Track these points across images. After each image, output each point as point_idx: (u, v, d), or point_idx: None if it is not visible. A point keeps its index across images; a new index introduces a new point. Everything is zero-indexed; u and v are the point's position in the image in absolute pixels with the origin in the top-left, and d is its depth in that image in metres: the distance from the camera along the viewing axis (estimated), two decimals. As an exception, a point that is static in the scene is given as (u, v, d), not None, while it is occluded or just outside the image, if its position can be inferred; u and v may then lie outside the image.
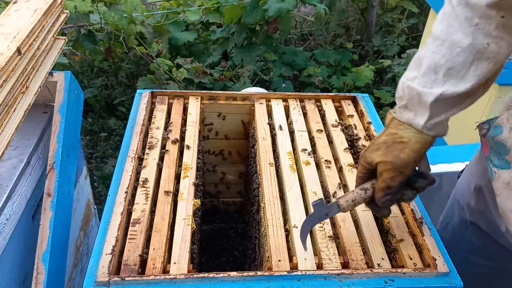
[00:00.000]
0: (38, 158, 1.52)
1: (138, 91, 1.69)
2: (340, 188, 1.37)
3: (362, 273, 1.08)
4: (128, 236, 1.17)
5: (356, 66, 3.70)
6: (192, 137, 1.54)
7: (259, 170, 1.46)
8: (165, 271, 1.09)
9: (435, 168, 1.79)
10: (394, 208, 1.29)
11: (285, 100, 1.76)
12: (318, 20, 4.45)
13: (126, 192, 1.27)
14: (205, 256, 2.04)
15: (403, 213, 1.29)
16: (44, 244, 1.36)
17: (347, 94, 1.79)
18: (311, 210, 1.28)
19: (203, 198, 1.97)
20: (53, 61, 1.54)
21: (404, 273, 1.09)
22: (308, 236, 1.16)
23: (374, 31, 4.26)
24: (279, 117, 1.66)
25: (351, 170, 1.44)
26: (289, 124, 1.64)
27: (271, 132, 1.61)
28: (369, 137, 1.58)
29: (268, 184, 1.38)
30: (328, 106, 1.73)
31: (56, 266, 1.41)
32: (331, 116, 1.68)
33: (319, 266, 1.13)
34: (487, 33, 0.91)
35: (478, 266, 1.30)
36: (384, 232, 1.25)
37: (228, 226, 2.17)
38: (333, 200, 1.17)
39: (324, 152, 1.51)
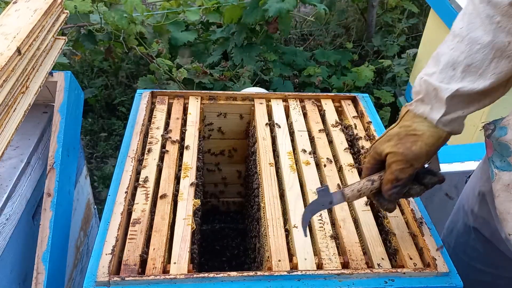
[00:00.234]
0: (38, 158, 1.52)
1: (138, 91, 1.69)
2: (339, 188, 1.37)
3: (362, 273, 1.08)
4: (128, 236, 1.17)
5: (356, 66, 3.69)
6: (192, 137, 1.54)
7: (259, 170, 1.46)
8: (165, 271, 1.09)
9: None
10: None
11: (285, 100, 1.76)
12: (318, 20, 4.45)
13: (126, 192, 1.27)
14: (205, 256, 2.05)
15: (403, 213, 1.29)
16: (44, 244, 1.36)
17: (347, 94, 1.80)
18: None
19: (203, 198, 1.97)
20: (53, 61, 1.54)
21: (404, 273, 1.09)
22: (308, 233, 1.15)
23: (374, 31, 4.26)
24: (279, 117, 1.66)
25: (351, 170, 1.44)
26: (289, 124, 1.64)
27: (271, 132, 1.61)
28: (369, 137, 1.58)
29: (268, 184, 1.38)
30: (328, 106, 1.73)
31: (56, 266, 1.41)
32: (331, 116, 1.68)
33: (319, 266, 1.13)
34: (508, 32, 0.90)
35: (481, 273, 1.29)
36: (384, 232, 1.25)
37: (228, 226, 2.17)
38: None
39: (324, 152, 1.51)
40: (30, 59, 1.40)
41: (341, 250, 1.19)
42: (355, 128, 1.61)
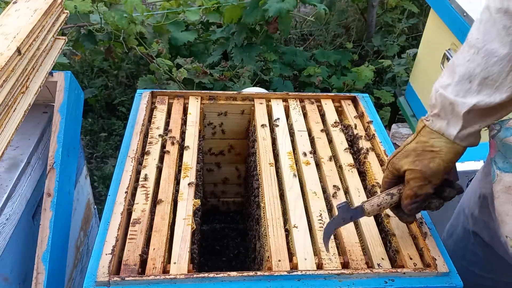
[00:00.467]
0: (38, 158, 1.52)
1: (138, 91, 1.69)
2: (339, 189, 1.37)
3: (362, 273, 1.08)
4: (128, 236, 1.17)
5: (356, 66, 3.69)
6: (192, 137, 1.54)
7: (259, 170, 1.46)
8: (165, 271, 1.09)
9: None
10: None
11: (285, 100, 1.76)
12: (318, 20, 4.45)
13: (126, 192, 1.27)
14: (205, 256, 2.05)
15: (403, 213, 1.29)
16: (44, 244, 1.36)
17: (347, 94, 1.80)
18: (312, 209, 1.28)
19: (203, 198, 1.97)
20: (53, 61, 1.54)
21: (404, 273, 1.09)
22: (329, 247, 1.16)
23: (374, 31, 4.25)
24: (279, 117, 1.66)
25: (351, 170, 1.44)
26: (289, 124, 1.64)
27: (271, 132, 1.61)
28: (369, 137, 1.58)
29: (268, 184, 1.38)
30: (328, 106, 1.73)
31: (56, 266, 1.41)
32: (331, 116, 1.68)
33: (319, 266, 1.13)
34: None
35: (481, 278, 1.29)
36: (384, 232, 1.25)
37: (228, 226, 2.17)
38: (357, 204, 1.16)
39: (324, 152, 1.51)
40: (30, 59, 1.40)
41: (341, 250, 1.19)
42: (355, 128, 1.61)
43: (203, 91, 1.76)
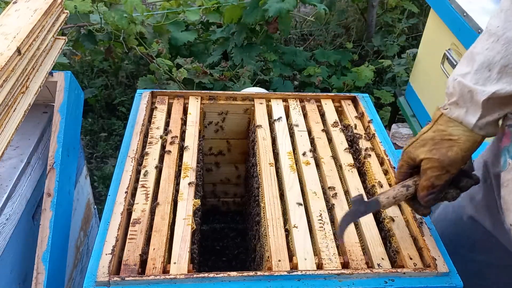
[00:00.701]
0: (38, 158, 1.52)
1: (138, 91, 1.69)
2: (333, 189, 1.37)
3: (362, 273, 1.08)
4: (128, 236, 1.17)
5: (356, 66, 3.69)
6: (192, 137, 1.54)
7: (259, 170, 1.46)
8: (165, 271, 1.09)
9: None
10: (394, 208, 1.29)
11: (285, 100, 1.76)
12: (318, 20, 4.45)
13: (126, 192, 1.27)
14: (205, 256, 2.05)
15: (403, 213, 1.29)
16: (44, 244, 1.36)
17: (347, 94, 1.79)
18: (312, 209, 1.28)
19: (203, 198, 1.97)
20: (53, 61, 1.54)
21: (404, 273, 1.09)
22: (344, 241, 1.15)
23: (374, 31, 4.25)
24: (279, 117, 1.66)
25: (351, 170, 1.44)
26: (289, 124, 1.64)
27: (271, 132, 1.61)
28: (369, 137, 1.58)
29: (268, 184, 1.38)
30: (328, 106, 1.73)
31: (56, 266, 1.41)
32: (331, 116, 1.68)
33: (319, 266, 1.13)
34: None
35: (469, 262, 1.28)
36: (384, 232, 1.25)
37: (228, 226, 2.17)
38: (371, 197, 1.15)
39: (324, 152, 1.51)
40: (30, 59, 1.40)
41: (341, 250, 1.19)
42: (355, 128, 1.61)
43: (203, 91, 1.76)
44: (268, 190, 1.36)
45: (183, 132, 1.56)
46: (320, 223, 1.24)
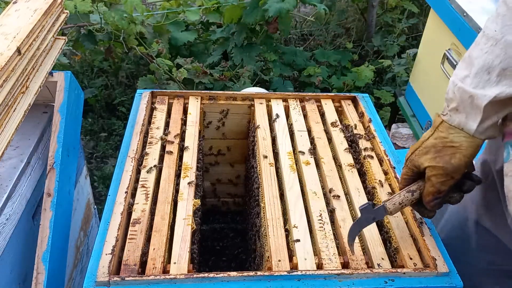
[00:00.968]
0: (38, 158, 1.52)
1: (138, 91, 1.69)
2: (332, 191, 1.37)
3: (362, 273, 1.08)
4: (128, 236, 1.17)
5: (356, 66, 3.69)
6: (192, 137, 1.54)
7: (259, 170, 1.46)
8: (165, 271, 1.09)
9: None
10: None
11: (285, 100, 1.76)
12: (318, 20, 4.45)
13: (126, 192, 1.27)
14: (205, 256, 2.05)
15: (403, 213, 1.29)
16: (44, 244, 1.36)
17: (347, 94, 1.79)
18: (312, 209, 1.28)
19: (203, 198, 1.97)
20: (53, 61, 1.54)
21: (404, 273, 1.09)
22: (354, 250, 1.17)
23: (374, 31, 4.25)
24: (279, 117, 1.66)
25: (351, 170, 1.44)
26: (289, 124, 1.64)
27: (271, 132, 1.61)
28: (369, 137, 1.58)
29: (268, 184, 1.38)
30: (328, 106, 1.73)
31: (56, 266, 1.41)
32: (331, 116, 1.68)
33: (319, 266, 1.13)
34: None
35: (469, 267, 1.30)
36: (384, 232, 1.25)
37: (228, 226, 2.17)
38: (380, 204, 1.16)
39: (324, 152, 1.51)
40: (30, 59, 1.40)
41: (341, 250, 1.19)
42: (355, 128, 1.61)
43: (203, 91, 1.76)
44: (268, 190, 1.36)
45: (183, 132, 1.56)
46: (320, 223, 1.24)
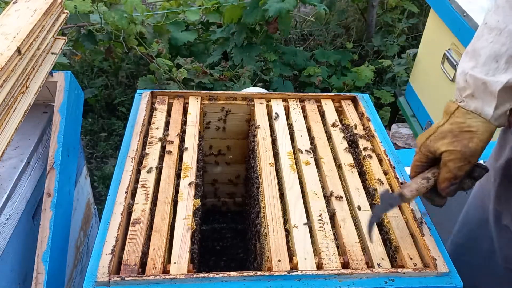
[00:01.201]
0: (38, 158, 1.52)
1: (138, 91, 1.69)
2: (331, 194, 1.37)
3: (362, 273, 1.08)
4: (128, 236, 1.17)
5: (356, 66, 3.70)
6: (192, 137, 1.54)
7: (259, 170, 1.46)
8: (165, 271, 1.09)
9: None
10: (394, 208, 1.29)
11: (285, 100, 1.76)
12: (318, 20, 4.45)
13: (126, 192, 1.27)
14: (205, 256, 2.04)
15: (403, 213, 1.29)
16: (44, 244, 1.36)
17: (347, 94, 1.79)
18: (312, 209, 1.28)
19: (203, 198, 1.96)
20: (53, 61, 1.54)
21: (404, 273, 1.09)
22: (374, 239, 1.18)
23: (374, 31, 4.26)
24: (279, 117, 1.66)
25: (351, 170, 1.44)
26: (289, 124, 1.64)
27: (271, 132, 1.61)
28: (368, 137, 1.58)
29: (268, 184, 1.38)
30: (328, 106, 1.73)
31: (56, 266, 1.41)
32: (331, 116, 1.68)
33: (319, 266, 1.13)
34: None
35: (485, 268, 1.30)
36: (384, 232, 1.25)
37: (228, 226, 2.17)
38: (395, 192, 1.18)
39: (324, 152, 1.51)
40: (30, 59, 1.40)
41: (341, 250, 1.19)
42: (355, 128, 1.61)
43: (203, 91, 1.76)
44: (268, 190, 1.35)
45: (183, 132, 1.56)
46: (320, 223, 1.24)
